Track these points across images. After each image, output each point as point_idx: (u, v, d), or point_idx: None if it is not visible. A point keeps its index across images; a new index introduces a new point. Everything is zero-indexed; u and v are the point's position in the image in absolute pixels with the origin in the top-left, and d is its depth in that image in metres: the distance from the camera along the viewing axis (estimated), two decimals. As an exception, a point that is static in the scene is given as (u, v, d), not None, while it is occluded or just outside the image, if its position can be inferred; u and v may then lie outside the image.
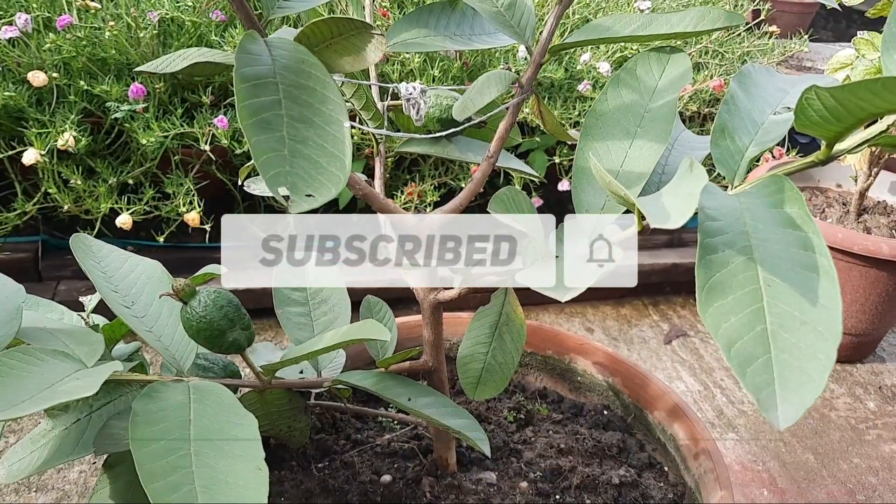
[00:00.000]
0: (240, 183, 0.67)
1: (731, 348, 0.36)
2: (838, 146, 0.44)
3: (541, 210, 1.69)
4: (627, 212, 0.50)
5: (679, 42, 1.66)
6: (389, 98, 0.64)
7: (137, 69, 0.51)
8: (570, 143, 1.54)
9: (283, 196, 0.39)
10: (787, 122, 0.50)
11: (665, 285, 1.70)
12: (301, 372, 0.64)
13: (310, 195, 0.40)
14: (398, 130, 0.68)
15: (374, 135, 0.64)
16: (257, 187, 0.64)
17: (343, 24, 0.45)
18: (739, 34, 1.85)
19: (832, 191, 1.60)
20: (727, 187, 0.49)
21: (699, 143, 0.60)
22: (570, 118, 1.56)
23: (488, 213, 0.51)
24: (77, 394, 0.40)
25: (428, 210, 1.53)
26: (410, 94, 0.56)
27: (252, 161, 0.67)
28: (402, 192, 1.52)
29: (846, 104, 0.38)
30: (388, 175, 1.56)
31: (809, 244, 0.39)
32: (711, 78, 1.61)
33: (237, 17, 1.51)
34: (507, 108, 0.59)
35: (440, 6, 0.67)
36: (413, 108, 0.56)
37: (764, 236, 0.40)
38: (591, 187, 0.54)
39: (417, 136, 0.62)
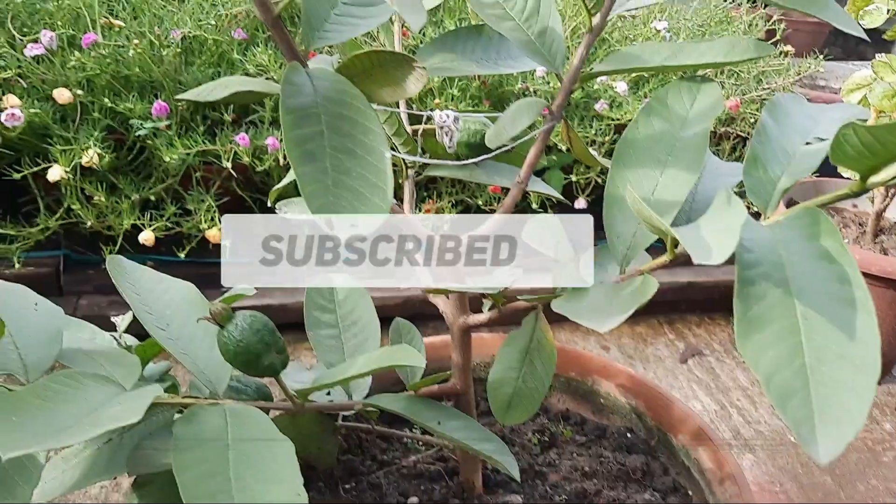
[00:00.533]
0: (269, 204, 0.68)
1: (770, 382, 0.37)
2: (872, 179, 0.45)
3: (557, 228, 1.70)
4: (658, 240, 0.51)
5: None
6: (423, 123, 0.65)
7: (179, 96, 0.52)
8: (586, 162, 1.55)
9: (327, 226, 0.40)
10: (819, 152, 0.50)
11: (680, 303, 1.70)
12: (329, 393, 0.64)
13: (353, 226, 0.41)
14: (426, 153, 0.69)
15: (403, 160, 0.64)
16: (289, 210, 0.65)
17: (384, 56, 0.46)
18: (755, 53, 1.85)
19: (848, 211, 1.60)
20: (759, 215, 0.50)
21: (727, 169, 0.61)
22: (588, 136, 1.57)
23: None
24: (122, 420, 0.41)
25: (446, 227, 1.54)
26: (444, 121, 0.57)
27: (281, 184, 0.68)
28: (419, 209, 1.52)
29: (884, 141, 0.39)
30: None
31: (846, 277, 0.40)
32: (728, 98, 1.62)
33: (258, 36, 1.53)
34: (536, 135, 0.60)
35: (466, 31, 0.68)
36: (447, 135, 0.57)
37: (800, 269, 0.41)
38: (623, 215, 0.54)
39: (448, 162, 0.62)
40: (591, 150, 1.45)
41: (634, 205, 0.42)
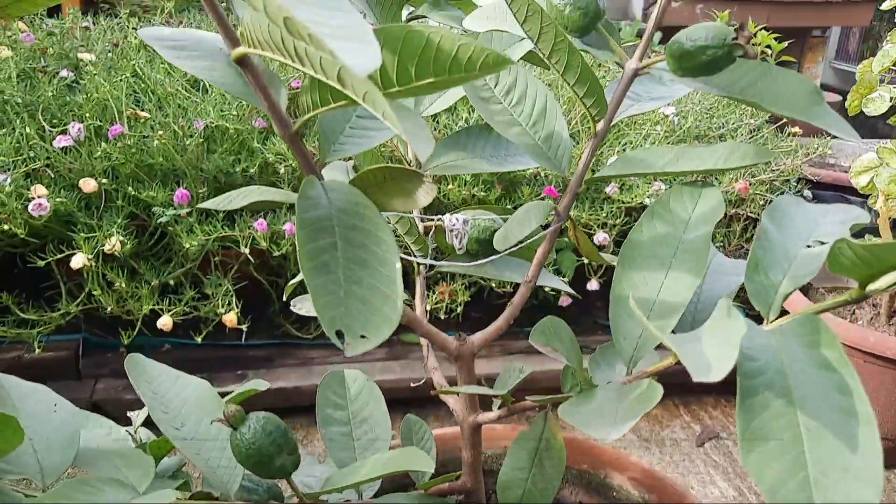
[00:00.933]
0: (284, 299, 0.70)
1: (774, 496, 0.37)
2: (871, 286, 0.46)
3: (569, 309, 1.70)
4: (665, 341, 0.51)
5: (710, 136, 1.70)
6: (434, 223, 0.67)
7: (202, 205, 0.54)
8: (594, 260, 1.56)
9: (338, 337, 0.41)
10: (820, 256, 0.51)
11: (696, 385, 1.68)
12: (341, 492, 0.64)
13: (364, 336, 0.42)
14: (438, 250, 0.71)
15: (416, 259, 0.66)
16: (304, 307, 0.67)
17: (395, 171, 0.48)
18: (763, 136, 1.89)
19: (863, 292, 1.60)
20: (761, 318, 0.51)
21: (732, 267, 0.62)
22: (598, 219, 1.59)
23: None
24: (136, 528, 0.42)
25: (459, 310, 1.55)
26: (454, 225, 0.59)
27: (296, 279, 0.70)
28: (433, 292, 1.54)
29: (878, 255, 0.40)
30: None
31: (847, 388, 0.40)
32: (737, 180, 1.64)
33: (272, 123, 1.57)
34: (545, 235, 0.62)
35: (477, 129, 0.71)
36: (456, 238, 0.59)
37: (802, 378, 0.41)
38: (629, 316, 0.55)
39: (458, 262, 0.64)
40: (601, 231, 1.46)
41: (638, 315, 0.44)
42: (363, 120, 0.54)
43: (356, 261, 0.45)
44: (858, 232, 0.56)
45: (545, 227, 0.62)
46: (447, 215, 0.60)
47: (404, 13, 0.82)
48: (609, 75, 2.04)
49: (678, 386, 1.67)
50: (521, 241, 0.64)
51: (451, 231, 0.59)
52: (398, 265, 0.45)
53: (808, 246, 0.54)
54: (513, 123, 0.62)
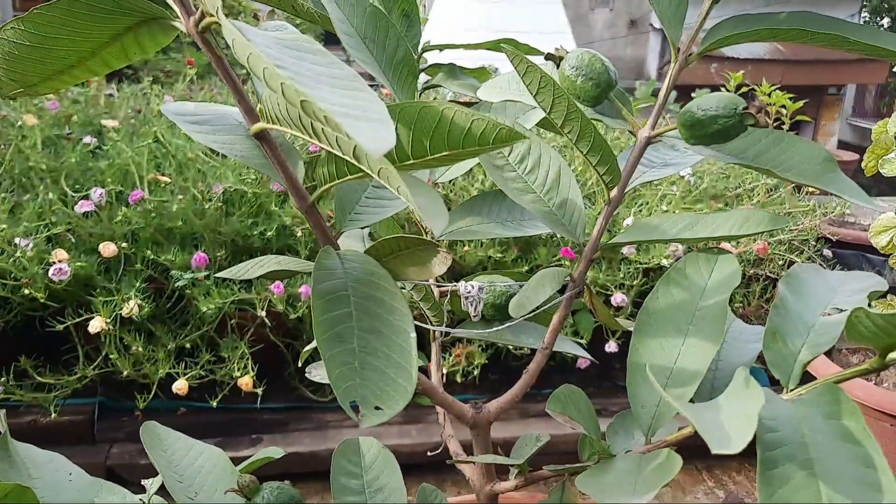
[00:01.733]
0: (300, 365, 0.70)
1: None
2: (891, 355, 0.45)
3: (588, 371, 1.69)
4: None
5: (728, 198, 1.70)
6: (450, 290, 0.67)
7: (220, 274, 0.55)
8: (611, 327, 1.55)
9: (352, 409, 0.41)
10: (839, 323, 0.51)
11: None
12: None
13: (378, 408, 0.42)
14: (454, 315, 0.71)
15: (432, 324, 0.66)
16: (319, 374, 0.66)
17: (411, 241, 0.49)
18: (780, 195, 1.89)
19: (886, 352, 1.57)
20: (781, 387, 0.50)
21: (751, 334, 0.61)
22: (616, 280, 1.58)
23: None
24: None
25: (476, 372, 1.54)
26: (469, 292, 0.59)
27: (311, 345, 0.70)
28: (449, 355, 1.53)
29: (895, 324, 0.40)
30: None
31: (871, 461, 0.39)
32: (755, 241, 1.64)
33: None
34: (561, 301, 0.62)
35: (492, 195, 0.72)
36: (471, 305, 0.59)
37: (824, 449, 0.41)
38: (647, 383, 0.55)
39: (474, 329, 0.64)
40: (619, 292, 1.45)
41: (654, 385, 0.43)
42: (379, 190, 0.55)
43: (371, 331, 0.45)
44: (882, 294, 0.56)
45: (561, 291, 0.62)
46: (462, 282, 0.60)
47: (420, 81, 0.84)
48: (624, 138, 2.06)
49: (701, 448, 1.64)
50: (536, 308, 0.64)
51: (467, 298, 0.59)
52: (413, 335, 0.45)
53: (827, 314, 0.54)
54: (527, 191, 0.62)
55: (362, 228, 0.57)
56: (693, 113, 0.53)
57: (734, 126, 0.52)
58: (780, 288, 0.53)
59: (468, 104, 0.71)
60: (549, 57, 0.62)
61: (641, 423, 0.54)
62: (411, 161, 0.43)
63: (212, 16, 0.39)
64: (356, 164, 0.40)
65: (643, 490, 0.43)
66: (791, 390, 0.49)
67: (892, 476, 0.38)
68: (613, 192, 0.59)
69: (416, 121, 0.41)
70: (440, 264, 0.48)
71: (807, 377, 0.50)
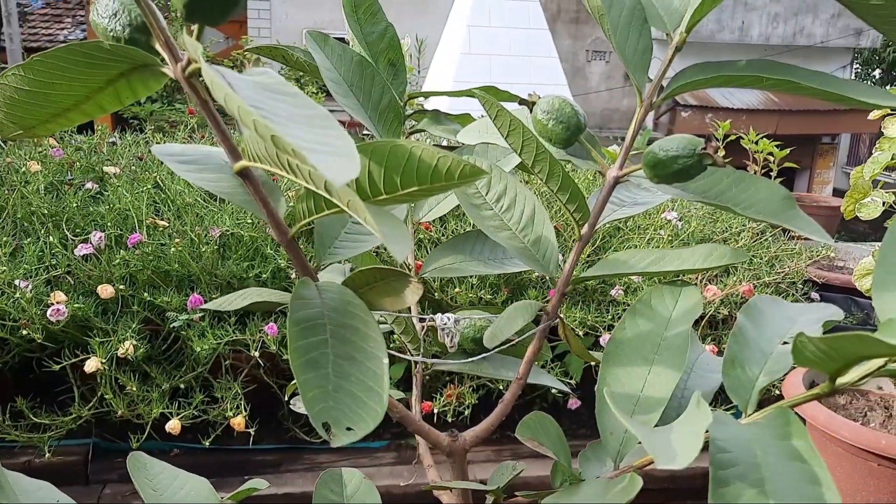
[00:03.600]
0: (286, 399, 0.72)
1: (746, 585, 0.38)
2: (840, 380, 0.48)
3: (579, 412, 1.70)
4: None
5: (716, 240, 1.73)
6: (427, 324, 0.70)
7: (205, 306, 0.57)
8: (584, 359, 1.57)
9: (324, 429, 0.43)
10: (794, 352, 0.53)
11: (684, 488, 1.65)
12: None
13: (350, 428, 0.44)
14: (435, 349, 0.73)
15: (411, 357, 0.69)
16: (301, 405, 0.68)
17: (385, 272, 0.51)
18: (766, 239, 1.92)
19: (873, 393, 1.59)
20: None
21: (716, 365, 0.64)
22: (605, 321, 1.60)
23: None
24: None
25: (467, 412, 1.55)
26: (445, 324, 0.61)
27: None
28: (441, 395, 1.55)
29: (837, 348, 0.42)
30: (426, 377, 1.60)
31: (816, 478, 0.41)
32: (741, 283, 1.66)
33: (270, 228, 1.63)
34: (534, 332, 0.64)
35: (475, 234, 0.75)
36: (448, 336, 0.61)
37: (775, 469, 0.43)
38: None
39: (452, 360, 0.66)
40: (607, 333, 1.47)
41: (616, 411, 0.45)
42: (357, 225, 0.58)
43: (345, 357, 0.47)
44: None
45: (537, 324, 0.64)
46: (439, 315, 0.63)
47: (406, 126, 0.88)
48: (600, 180, 2.10)
49: (693, 492, 1.64)
50: (511, 340, 0.67)
51: (443, 329, 0.61)
52: (385, 360, 0.48)
53: (785, 342, 0.56)
54: (503, 228, 0.65)
55: (341, 262, 0.59)
56: (655, 153, 0.56)
57: (693, 166, 0.55)
58: (739, 318, 0.55)
59: (451, 148, 0.74)
60: (522, 102, 0.65)
61: (610, 450, 0.56)
62: (384, 196, 0.46)
63: (196, 62, 0.43)
64: (330, 198, 0.43)
65: (605, 509, 0.45)
66: (749, 415, 0.51)
67: (836, 491, 0.40)
68: (584, 229, 0.62)
69: (387, 158, 0.44)
70: (412, 294, 0.51)
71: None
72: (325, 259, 0.55)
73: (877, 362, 0.48)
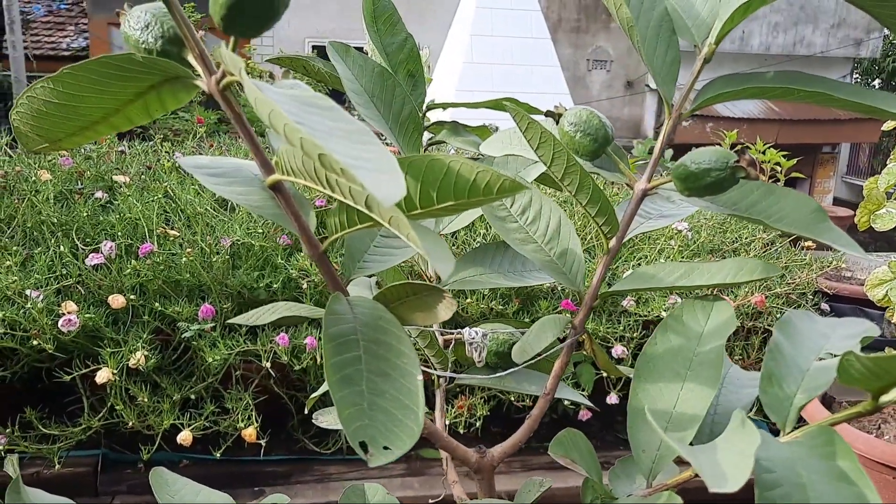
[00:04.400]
0: (306, 412, 0.71)
1: None
2: (884, 398, 0.47)
3: (589, 423, 1.68)
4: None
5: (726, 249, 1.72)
6: (454, 337, 0.69)
7: (233, 320, 0.57)
8: (610, 373, 1.56)
9: (361, 448, 0.42)
10: (832, 368, 0.52)
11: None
12: None
13: (387, 448, 0.43)
14: (459, 365, 0.73)
15: (437, 370, 0.68)
16: (325, 420, 0.68)
17: (417, 287, 0.51)
18: (777, 250, 1.91)
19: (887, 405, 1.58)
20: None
21: (747, 380, 0.63)
22: (616, 332, 1.60)
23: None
24: None
25: (478, 423, 1.54)
26: (473, 338, 0.61)
27: (318, 392, 0.72)
28: (452, 406, 1.54)
29: (884, 367, 0.42)
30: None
31: (866, 500, 0.41)
32: (752, 294, 1.65)
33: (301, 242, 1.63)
34: (562, 347, 0.63)
35: (494, 247, 0.74)
36: (476, 350, 0.61)
37: (820, 490, 0.42)
38: (648, 427, 0.56)
39: (478, 375, 0.66)
40: (619, 345, 1.46)
41: (654, 427, 0.45)
42: (387, 239, 0.57)
43: (379, 373, 0.47)
44: (880, 346, 0.57)
45: (562, 340, 0.64)
46: (467, 329, 0.62)
47: (425, 138, 0.88)
48: (623, 192, 2.10)
49: (704, 504, 1.63)
50: (538, 354, 0.66)
51: (471, 344, 0.61)
52: (419, 377, 0.47)
53: (821, 358, 0.55)
54: (528, 241, 0.65)
55: (369, 276, 0.59)
56: (687, 166, 0.55)
57: (726, 179, 0.54)
58: (775, 333, 0.54)
59: (472, 159, 0.73)
60: (548, 114, 0.65)
61: (642, 468, 0.55)
62: (419, 210, 0.45)
63: (232, 75, 0.42)
64: (367, 213, 0.42)
65: (644, 530, 0.44)
66: (788, 433, 0.50)
67: (886, 514, 0.40)
68: (612, 242, 0.61)
69: (424, 173, 0.44)
70: (446, 309, 0.50)
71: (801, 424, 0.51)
72: (355, 273, 0.54)
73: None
